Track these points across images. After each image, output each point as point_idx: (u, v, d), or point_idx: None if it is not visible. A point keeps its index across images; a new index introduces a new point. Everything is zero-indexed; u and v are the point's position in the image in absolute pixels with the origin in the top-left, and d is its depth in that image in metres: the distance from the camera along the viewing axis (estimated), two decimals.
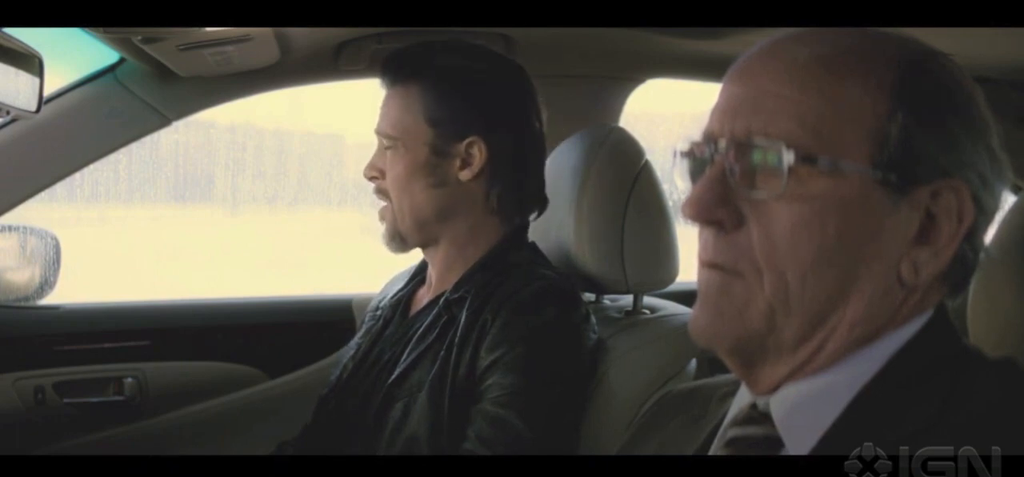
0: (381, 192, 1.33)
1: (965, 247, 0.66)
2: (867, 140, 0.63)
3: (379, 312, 1.41)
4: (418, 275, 1.42)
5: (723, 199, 0.65)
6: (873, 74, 0.64)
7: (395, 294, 1.41)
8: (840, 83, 0.64)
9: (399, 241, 1.33)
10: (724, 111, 0.67)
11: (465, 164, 1.29)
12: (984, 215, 0.66)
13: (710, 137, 0.68)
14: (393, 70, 1.32)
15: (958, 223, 0.64)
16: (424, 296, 1.37)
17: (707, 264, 0.67)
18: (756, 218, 0.65)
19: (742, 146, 0.65)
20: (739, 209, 0.65)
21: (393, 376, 1.25)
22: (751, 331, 0.66)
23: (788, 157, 0.63)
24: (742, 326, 0.66)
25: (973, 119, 0.66)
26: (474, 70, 1.30)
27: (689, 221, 0.68)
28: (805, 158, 0.63)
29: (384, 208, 1.33)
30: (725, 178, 0.66)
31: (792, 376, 0.67)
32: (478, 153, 1.28)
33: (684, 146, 0.70)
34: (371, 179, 1.34)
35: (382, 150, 1.32)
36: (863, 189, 0.63)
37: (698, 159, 0.69)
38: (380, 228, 1.35)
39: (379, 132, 1.32)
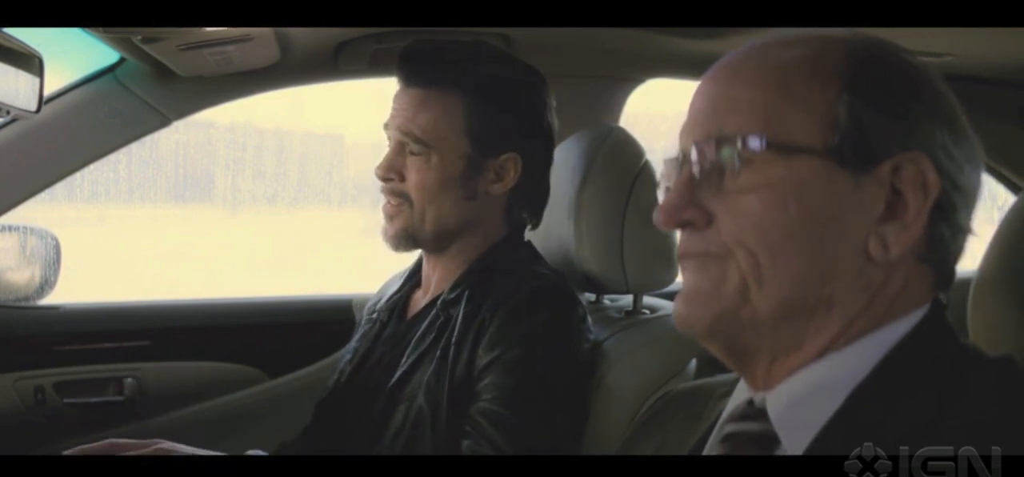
0: (396, 194, 1.27)
1: (942, 227, 0.66)
2: (817, 123, 0.66)
3: (375, 315, 1.40)
4: (413, 277, 1.41)
5: (690, 201, 0.69)
6: (821, 63, 0.68)
7: (390, 296, 1.40)
8: (788, 75, 0.68)
9: (410, 243, 1.29)
10: (687, 126, 0.72)
11: (498, 178, 1.28)
12: (958, 191, 0.67)
13: (681, 153, 0.72)
14: (427, 72, 1.26)
15: (924, 195, 0.65)
16: (421, 298, 1.36)
17: (683, 255, 0.71)
18: (724, 211, 0.68)
19: (703, 149, 0.69)
20: (707, 208, 0.68)
21: (393, 380, 1.25)
22: (726, 306, 0.67)
23: (744, 148, 0.66)
24: (718, 302, 0.68)
25: (926, 95, 0.68)
26: (512, 83, 1.28)
27: (663, 229, 0.71)
28: (760, 147, 0.66)
29: (395, 207, 1.27)
30: (692, 182, 0.69)
31: (786, 367, 0.68)
32: (512, 169, 1.28)
33: (663, 169, 0.75)
34: (386, 180, 1.27)
35: (402, 151, 1.26)
36: (820, 170, 0.66)
37: (674, 176, 0.73)
38: (383, 225, 1.29)
39: (405, 133, 1.25)
